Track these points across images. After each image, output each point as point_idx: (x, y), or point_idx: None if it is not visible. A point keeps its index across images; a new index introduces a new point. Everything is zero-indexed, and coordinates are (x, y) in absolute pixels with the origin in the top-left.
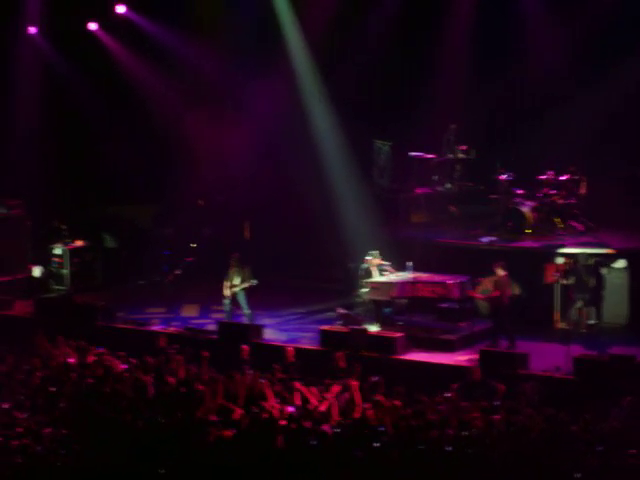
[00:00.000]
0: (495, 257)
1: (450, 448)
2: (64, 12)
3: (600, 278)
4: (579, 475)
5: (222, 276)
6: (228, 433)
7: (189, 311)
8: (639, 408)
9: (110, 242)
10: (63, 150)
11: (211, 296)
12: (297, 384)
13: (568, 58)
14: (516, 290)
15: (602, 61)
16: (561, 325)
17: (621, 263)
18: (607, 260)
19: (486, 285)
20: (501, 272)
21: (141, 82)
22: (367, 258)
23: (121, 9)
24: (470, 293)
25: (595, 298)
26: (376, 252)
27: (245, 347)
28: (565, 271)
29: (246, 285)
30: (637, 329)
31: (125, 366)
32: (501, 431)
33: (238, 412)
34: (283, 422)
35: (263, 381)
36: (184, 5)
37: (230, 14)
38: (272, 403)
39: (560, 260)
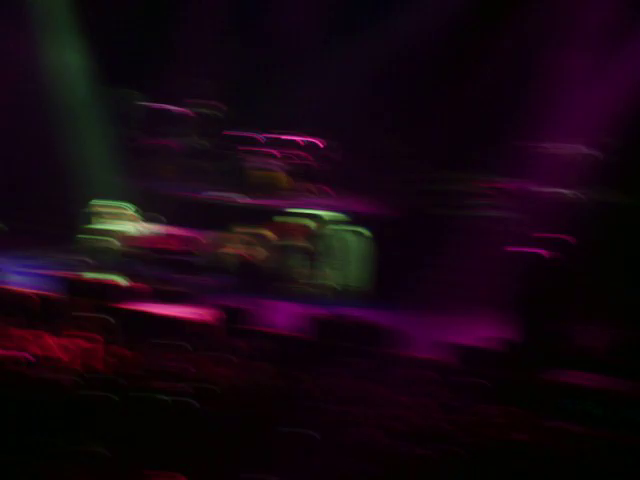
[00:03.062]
0: (244, 214)
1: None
2: None
3: (345, 243)
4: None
5: None
6: None
7: None
8: (367, 370)
9: None
10: None
11: None
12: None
13: (322, 21)
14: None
15: (355, 26)
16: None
17: (365, 230)
18: (353, 225)
19: (231, 242)
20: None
21: None
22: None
23: None
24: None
25: (340, 263)
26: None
27: None
28: (312, 234)
29: None
30: (372, 293)
31: None
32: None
33: None
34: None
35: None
36: None
37: None
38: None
39: (307, 222)
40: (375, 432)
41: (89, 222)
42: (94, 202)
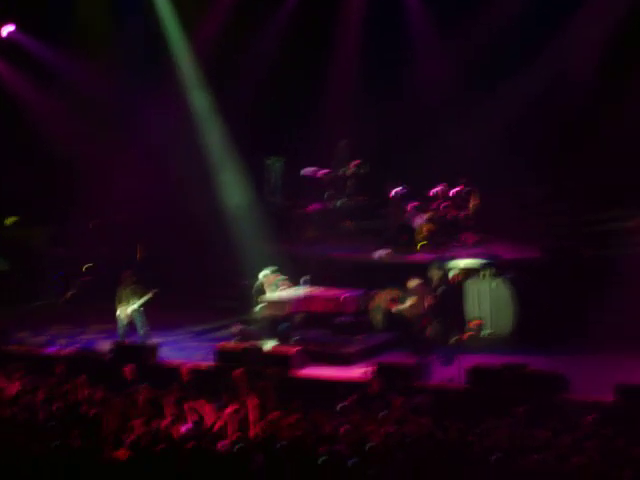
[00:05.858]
0: (388, 270)
1: (352, 461)
2: None
3: (495, 289)
4: None
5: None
6: (123, 454)
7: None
8: (531, 416)
9: (2, 264)
10: None
11: (107, 316)
12: (192, 403)
13: (458, 72)
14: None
15: (492, 75)
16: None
17: (508, 274)
18: (497, 271)
19: (380, 299)
20: (413, 282)
21: (29, 103)
22: (261, 275)
23: (7, 29)
24: (390, 306)
25: (490, 310)
26: (270, 269)
27: (128, 368)
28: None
29: (146, 298)
30: (521, 338)
31: (18, 388)
32: (397, 442)
33: (134, 433)
34: (179, 441)
35: (159, 401)
36: (71, 23)
37: (118, 31)
38: (167, 422)
39: (453, 272)
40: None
41: (260, 291)
42: (262, 271)
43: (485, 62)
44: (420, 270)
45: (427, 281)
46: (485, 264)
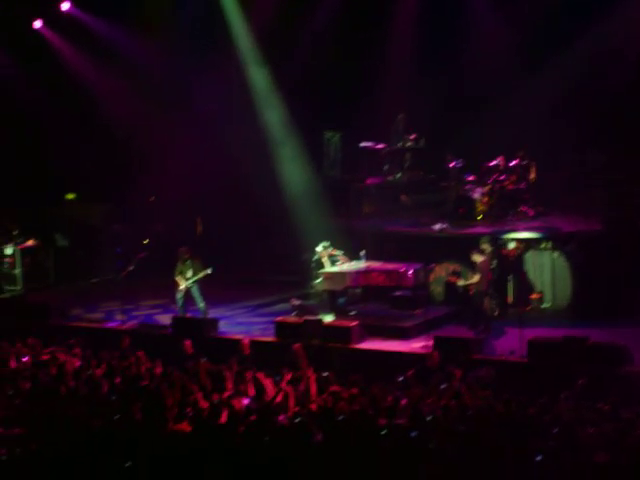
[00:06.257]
0: (447, 244)
1: (413, 434)
2: (7, 10)
3: (553, 262)
4: (539, 458)
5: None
6: (186, 427)
7: None
8: (593, 389)
9: (61, 241)
10: (11, 150)
11: (165, 291)
12: (253, 375)
13: (512, 44)
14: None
15: (547, 47)
16: (514, 309)
17: (568, 246)
18: (556, 243)
19: (440, 272)
20: (479, 257)
21: (88, 80)
22: (319, 249)
23: (65, 5)
24: (452, 280)
25: (547, 282)
26: (328, 243)
27: (187, 342)
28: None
29: (200, 276)
30: (582, 311)
31: (79, 363)
32: (457, 415)
33: (195, 406)
34: (240, 414)
35: (219, 374)
36: (131, 1)
37: (177, 9)
38: (228, 396)
39: (512, 245)
40: (605, 452)
41: (318, 266)
42: (320, 245)
43: (541, 33)
44: (477, 242)
45: (490, 254)
46: (544, 237)
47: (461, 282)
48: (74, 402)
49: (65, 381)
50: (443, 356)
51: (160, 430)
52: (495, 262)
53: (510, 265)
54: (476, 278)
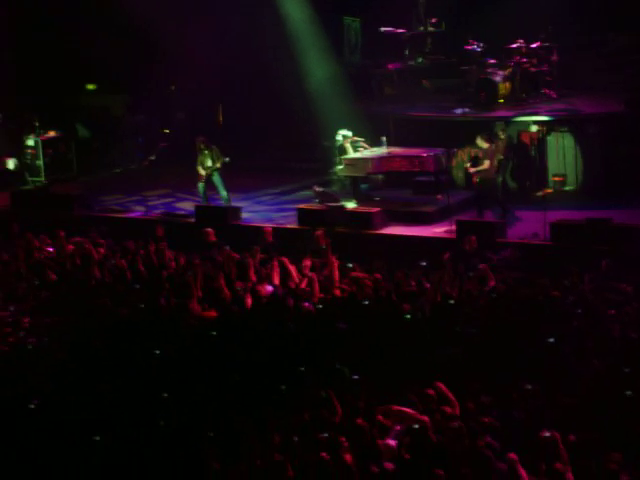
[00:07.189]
0: (469, 128)
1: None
2: None
3: (573, 144)
4: (552, 340)
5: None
6: (211, 314)
7: None
8: (615, 270)
9: (83, 132)
10: (32, 41)
11: (187, 180)
12: (277, 261)
13: None
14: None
15: None
16: (537, 192)
17: (591, 128)
18: (579, 125)
19: (462, 157)
20: (484, 144)
21: None
22: (341, 135)
23: None
24: (468, 169)
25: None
26: (347, 130)
27: (210, 230)
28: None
29: (218, 165)
30: (605, 193)
31: (102, 253)
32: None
33: (219, 293)
34: (264, 301)
35: (242, 262)
36: None
37: None
38: (255, 283)
39: (533, 128)
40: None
41: (340, 152)
42: (342, 132)
43: None
44: (498, 126)
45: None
46: (566, 119)
47: (472, 169)
48: (100, 291)
49: (90, 271)
50: (465, 240)
51: (185, 317)
52: (513, 146)
53: (531, 148)
54: (486, 164)
